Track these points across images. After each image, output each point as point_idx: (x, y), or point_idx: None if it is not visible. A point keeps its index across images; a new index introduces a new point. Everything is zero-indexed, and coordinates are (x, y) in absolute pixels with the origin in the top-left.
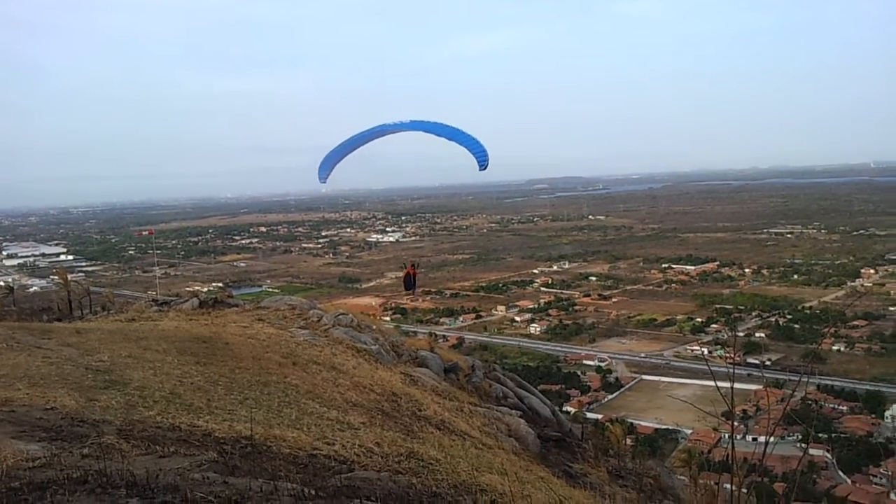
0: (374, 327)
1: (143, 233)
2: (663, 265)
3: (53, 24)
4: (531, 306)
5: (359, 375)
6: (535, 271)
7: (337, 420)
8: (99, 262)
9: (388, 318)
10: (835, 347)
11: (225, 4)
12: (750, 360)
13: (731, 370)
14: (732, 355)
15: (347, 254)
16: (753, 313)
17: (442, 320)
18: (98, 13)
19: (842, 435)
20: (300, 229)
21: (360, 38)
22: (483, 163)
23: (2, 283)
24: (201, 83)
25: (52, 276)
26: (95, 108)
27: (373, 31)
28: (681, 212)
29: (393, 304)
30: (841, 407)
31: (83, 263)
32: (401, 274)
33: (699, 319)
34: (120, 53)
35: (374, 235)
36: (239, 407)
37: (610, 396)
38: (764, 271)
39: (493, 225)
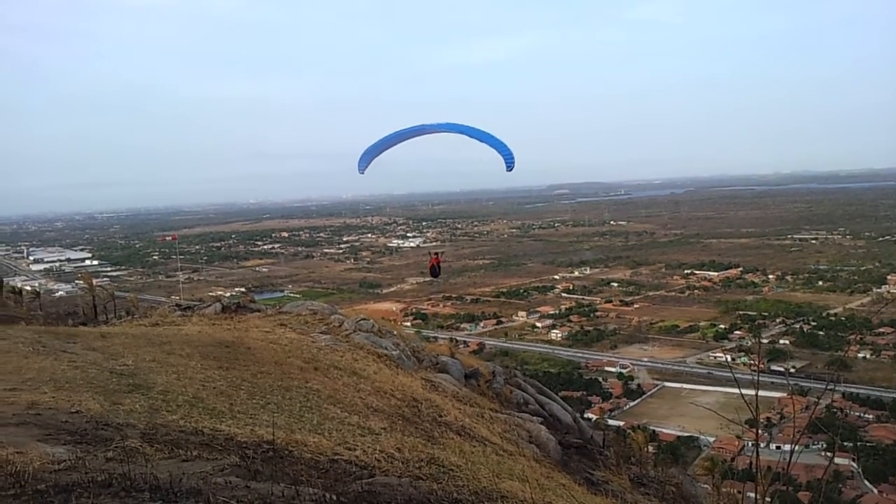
0: (395, 332)
1: (167, 238)
2: (686, 271)
3: (76, 29)
4: (552, 312)
5: (380, 381)
6: (556, 277)
7: (358, 425)
8: (123, 267)
9: (408, 324)
10: (860, 355)
11: (234, 8)
12: (774, 367)
13: (756, 378)
14: (757, 362)
15: (368, 259)
16: (777, 320)
17: (463, 326)
18: (113, 20)
19: (868, 444)
20: (322, 235)
21: (368, 43)
22: (510, 164)
23: (28, 288)
24: (216, 87)
25: (77, 281)
26: (117, 115)
27: (384, 36)
28: (703, 217)
29: (414, 310)
30: (867, 415)
31: (108, 268)
32: (422, 279)
33: (722, 326)
34: (133, 58)
35: (395, 241)
36: (261, 411)
37: (632, 403)
38: (788, 277)
39: (514, 230)
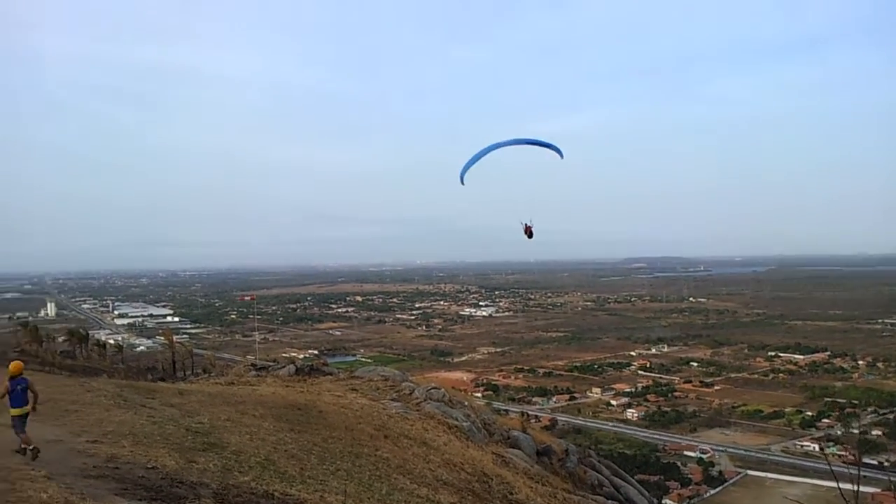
0: (466, 403)
1: (246, 298)
2: (769, 353)
3: (169, 96)
4: (628, 390)
5: (450, 452)
6: (633, 353)
7: (427, 498)
8: (202, 325)
9: (479, 395)
10: None
11: (315, 80)
12: (866, 459)
13: (858, 471)
14: (857, 455)
15: (440, 326)
16: (869, 409)
17: (534, 399)
18: (202, 88)
19: None
20: (394, 300)
21: (437, 113)
22: (561, 153)
23: (112, 342)
24: (292, 153)
25: (158, 337)
26: (201, 176)
27: (452, 109)
28: (787, 297)
29: (485, 380)
30: None
31: (188, 325)
32: (493, 349)
33: (809, 413)
34: (225, 124)
35: (468, 309)
36: (331, 478)
37: (713, 491)
38: (879, 364)
39: (589, 303)
